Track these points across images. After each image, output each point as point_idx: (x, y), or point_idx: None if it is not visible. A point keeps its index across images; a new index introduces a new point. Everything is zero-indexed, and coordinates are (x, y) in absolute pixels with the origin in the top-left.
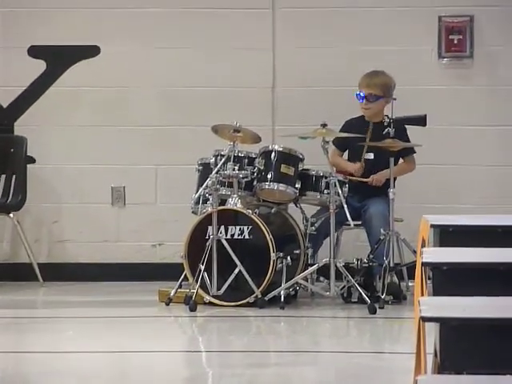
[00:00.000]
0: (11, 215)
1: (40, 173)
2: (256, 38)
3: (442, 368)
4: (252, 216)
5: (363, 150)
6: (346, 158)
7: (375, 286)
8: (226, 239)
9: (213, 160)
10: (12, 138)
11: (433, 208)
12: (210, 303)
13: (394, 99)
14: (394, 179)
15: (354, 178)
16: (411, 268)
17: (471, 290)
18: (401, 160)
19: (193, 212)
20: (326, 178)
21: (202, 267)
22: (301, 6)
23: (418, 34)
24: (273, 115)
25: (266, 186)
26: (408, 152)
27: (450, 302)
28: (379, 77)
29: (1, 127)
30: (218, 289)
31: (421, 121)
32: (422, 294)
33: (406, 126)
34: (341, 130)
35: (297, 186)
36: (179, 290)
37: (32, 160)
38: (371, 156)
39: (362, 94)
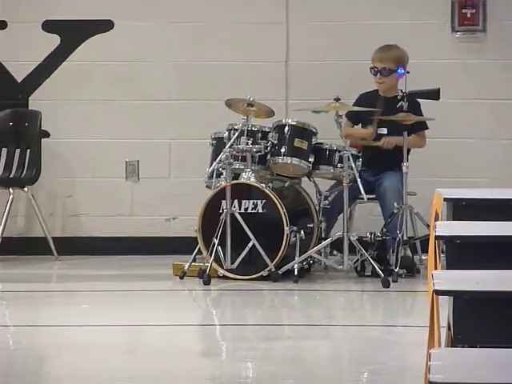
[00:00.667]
0: (25, 189)
1: (54, 147)
2: (269, 12)
3: (455, 341)
4: (265, 190)
5: (374, 123)
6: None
7: (389, 259)
8: (239, 213)
9: (226, 134)
10: (26, 112)
11: (446, 182)
12: (224, 277)
13: (408, 72)
14: (408, 153)
15: (366, 142)
16: (424, 242)
17: (484, 263)
18: (413, 135)
19: (206, 186)
20: (339, 151)
21: (216, 241)
22: None
23: (431, 8)
24: (286, 89)
25: (280, 160)
26: (420, 128)
27: (463, 276)
28: (392, 50)
29: (15, 101)
30: (232, 262)
31: (434, 94)
32: (436, 268)
33: (420, 102)
34: (354, 104)
35: (310, 160)
36: (193, 263)
37: (46, 134)
38: (384, 131)
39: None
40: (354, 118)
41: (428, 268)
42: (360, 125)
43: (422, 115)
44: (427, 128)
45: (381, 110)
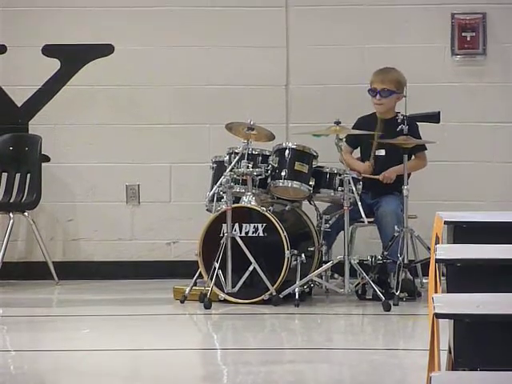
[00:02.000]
0: (26, 214)
1: (54, 171)
2: (270, 35)
3: (456, 365)
4: (266, 213)
5: (371, 158)
6: (359, 155)
7: (389, 282)
8: (240, 237)
9: (227, 158)
10: (27, 136)
11: (446, 205)
12: (225, 301)
13: (405, 96)
14: (408, 176)
15: (364, 175)
16: (425, 265)
17: (485, 286)
18: (412, 157)
19: (207, 210)
20: (339, 175)
21: (217, 265)
22: (314, 4)
23: (431, 32)
24: (287, 113)
25: (280, 184)
26: (419, 149)
27: (463, 299)
28: (392, 73)
29: (16, 126)
30: (233, 286)
31: (434, 118)
32: (436, 291)
33: (418, 124)
34: (353, 128)
35: (311, 183)
36: (194, 287)
37: (47, 159)
38: (382, 153)
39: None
40: (353, 142)
41: (429, 291)
42: (359, 148)
43: (420, 137)
44: (426, 148)
45: (381, 132)
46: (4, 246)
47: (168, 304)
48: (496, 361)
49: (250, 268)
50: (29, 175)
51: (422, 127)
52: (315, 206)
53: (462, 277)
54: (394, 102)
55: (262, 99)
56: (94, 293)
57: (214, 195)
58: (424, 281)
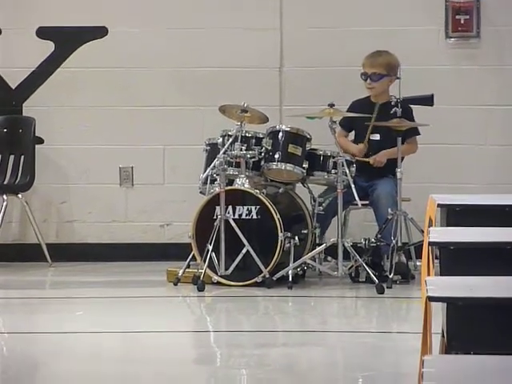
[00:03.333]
0: (20, 196)
1: (48, 153)
2: (264, 17)
3: (449, 348)
4: (260, 196)
5: (365, 141)
6: (353, 138)
7: (383, 265)
8: (233, 219)
9: (220, 140)
10: (20, 118)
11: (440, 187)
12: (218, 283)
13: (398, 78)
14: (402, 159)
15: (357, 158)
16: (419, 247)
17: (478, 269)
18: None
19: (200, 192)
20: (333, 157)
21: (210, 247)
22: None
23: (425, 15)
24: (280, 95)
25: (274, 166)
26: (411, 133)
27: (456, 282)
28: (382, 56)
29: (9, 108)
30: (226, 269)
31: (428, 100)
32: (429, 274)
33: (413, 108)
34: (347, 111)
35: (304, 165)
36: (187, 269)
37: (40, 141)
38: (377, 137)
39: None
40: (347, 125)
41: (422, 274)
42: (354, 132)
43: (414, 121)
44: (419, 134)
45: (375, 116)
46: None
47: (161, 286)
48: (489, 344)
49: (244, 250)
50: (23, 157)
51: (415, 110)
52: (309, 188)
53: (455, 260)
54: (386, 86)
55: (256, 81)
56: (88, 275)
57: (207, 178)
58: (417, 263)
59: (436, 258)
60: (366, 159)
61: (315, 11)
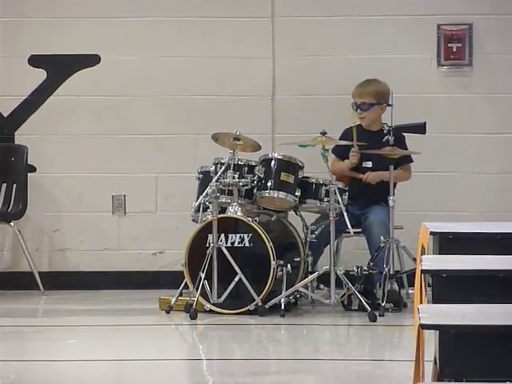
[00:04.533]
0: (12, 224)
1: (41, 181)
2: (256, 46)
3: (441, 375)
4: (252, 224)
5: (355, 147)
6: None
7: (375, 293)
8: (226, 247)
9: (213, 168)
10: (13, 146)
11: (432, 215)
12: (211, 311)
13: (390, 105)
14: (394, 187)
15: (349, 173)
16: (411, 275)
17: (471, 297)
18: (398, 169)
19: (193, 220)
20: (325, 185)
21: (203, 275)
22: (300, 15)
23: (417, 42)
24: (273, 123)
25: (266, 194)
26: (405, 161)
27: (449, 310)
28: (371, 85)
29: (2, 136)
30: (219, 297)
31: (420, 128)
32: (422, 302)
33: (405, 135)
34: (340, 139)
35: (297, 193)
36: (180, 298)
37: (33, 169)
38: (369, 164)
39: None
40: (340, 153)
41: (414, 302)
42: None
43: (406, 148)
44: (412, 161)
45: (366, 143)
46: None
47: (154, 314)
48: (481, 372)
49: (236, 278)
50: (15, 185)
51: (408, 138)
52: (301, 216)
53: (448, 287)
54: (376, 114)
55: (248, 110)
56: (80, 303)
57: (199, 205)
58: (410, 291)
59: (428, 285)
60: (359, 175)
61: (307, 40)
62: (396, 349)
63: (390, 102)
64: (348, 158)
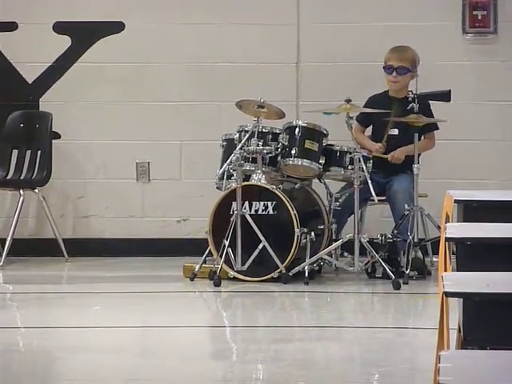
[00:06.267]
0: (36, 191)
1: (65, 148)
2: (281, 13)
3: (465, 343)
4: (276, 191)
5: (386, 126)
6: (370, 133)
7: (399, 261)
8: (250, 215)
9: (237, 136)
10: (37, 113)
11: (457, 183)
12: (235, 278)
13: (417, 75)
14: (419, 155)
15: (374, 154)
16: (435, 243)
17: (495, 265)
18: (422, 137)
19: (217, 187)
20: (350, 153)
21: (227, 242)
22: None
23: (442, 10)
24: (297, 91)
25: (290, 162)
26: (430, 128)
27: (473, 278)
28: (409, 51)
29: (26, 103)
30: (243, 264)
31: (445, 96)
32: (446, 270)
33: (430, 103)
34: (364, 106)
35: (321, 161)
36: (204, 265)
37: (57, 136)
38: (396, 132)
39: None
40: (364, 121)
41: (438, 270)
42: (371, 127)
43: (432, 116)
44: (437, 128)
45: (393, 111)
46: (14, 222)
47: (178, 281)
48: (505, 340)
49: (260, 246)
50: (39, 152)
51: (433, 105)
52: (325, 184)
53: (472, 255)
54: (408, 80)
55: (273, 77)
56: (104, 270)
57: (223, 173)
58: (434, 259)
59: (453, 253)
60: (384, 156)
61: (332, 6)
62: (420, 317)
63: (418, 72)
64: (372, 125)
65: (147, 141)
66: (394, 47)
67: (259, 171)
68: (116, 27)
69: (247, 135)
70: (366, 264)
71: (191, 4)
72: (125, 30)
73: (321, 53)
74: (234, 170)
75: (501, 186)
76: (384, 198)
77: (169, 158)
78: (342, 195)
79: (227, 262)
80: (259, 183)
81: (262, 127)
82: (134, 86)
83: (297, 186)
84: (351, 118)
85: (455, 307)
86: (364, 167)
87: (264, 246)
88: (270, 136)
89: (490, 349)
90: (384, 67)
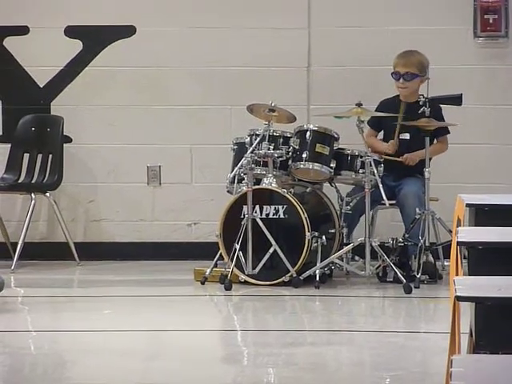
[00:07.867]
0: (47, 194)
1: (76, 152)
2: (292, 17)
3: (477, 348)
4: (287, 195)
5: (396, 138)
6: (382, 137)
7: (410, 265)
8: (260, 218)
9: (248, 139)
10: (49, 117)
11: (468, 187)
12: (245, 282)
13: (428, 79)
14: (430, 159)
15: (387, 157)
16: (447, 247)
17: (507, 269)
18: (435, 141)
19: (228, 191)
20: (361, 157)
21: (238, 246)
22: None
23: (453, 14)
24: (308, 94)
25: (301, 166)
26: (442, 132)
27: (485, 282)
28: (415, 55)
29: (38, 107)
30: (253, 268)
31: (456, 100)
32: (458, 274)
33: (442, 107)
34: (375, 110)
35: (332, 165)
36: (214, 269)
37: (68, 139)
38: (407, 136)
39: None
40: (376, 125)
41: (450, 274)
42: (383, 132)
43: (443, 120)
44: (449, 132)
45: (403, 115)
46: (26, 226)
47: (188, 285)
48: None
49: (271, 250)
50: (50, 156)
51: (444, 110)
52: (336, 188)
53: (484, 260)
54: (417, 85)
55: (284, 81)
56: (115, 274)
57: (234, 177)
58: (445, 263)
59: (464, 257)
60: (398, 158)
61: (343, 10)
62: (431, 321)
63: (428, 76)
64: (383, 130)
65: (158, 145)
66: (400, 53)
67: (270, 175)
68: (127, 31)
69: (258, 139)
70: (377, 268)
71: (202, 8)
72: (136, 34)
73: (332, 57)
74: (244, 174)
75: None
76: (394, 201)
77: (180, 162)
78: (353, 199)
79: (238, 265)
80: (270, 187)
81: (273, 131)
82: (145, 89)
83: (308, 190)
84: (362, 121)
85: (467, 311)
86: (375, 171)
87: (275, 250)
88: (281, 140)
89: (502, 353)
90: (392, 73)
